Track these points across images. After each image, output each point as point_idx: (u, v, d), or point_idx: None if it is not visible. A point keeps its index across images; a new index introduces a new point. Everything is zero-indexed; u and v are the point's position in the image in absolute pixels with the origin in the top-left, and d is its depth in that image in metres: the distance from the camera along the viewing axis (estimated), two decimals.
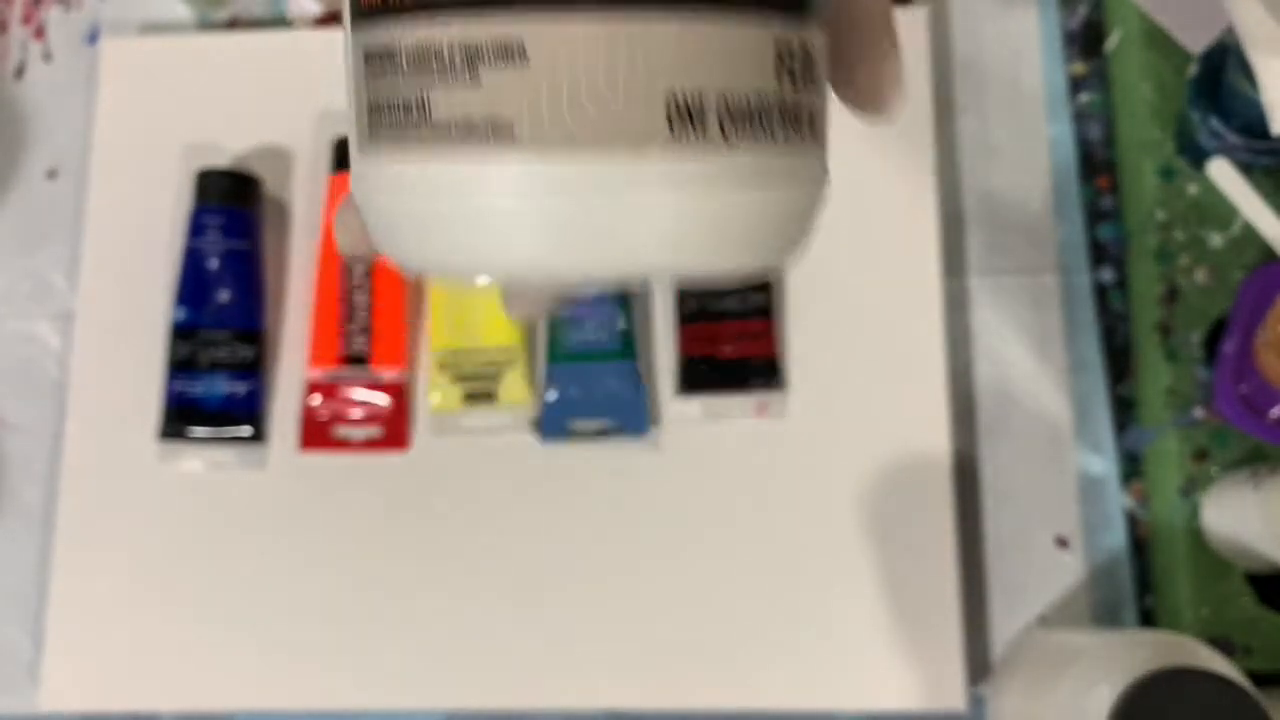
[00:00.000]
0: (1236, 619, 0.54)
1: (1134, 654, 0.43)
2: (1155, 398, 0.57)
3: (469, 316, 0.59)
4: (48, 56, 0.67)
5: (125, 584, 0.58)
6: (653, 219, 0.21)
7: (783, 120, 0.22)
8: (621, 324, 0.57)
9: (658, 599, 0.57)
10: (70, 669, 0.57)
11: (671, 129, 0.21)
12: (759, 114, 0.21)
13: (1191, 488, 0.55)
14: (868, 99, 0.25)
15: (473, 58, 0.21)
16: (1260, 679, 0.52)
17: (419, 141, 0.22)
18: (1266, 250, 0.56)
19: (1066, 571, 0.58)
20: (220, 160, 0.63)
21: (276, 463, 0.59)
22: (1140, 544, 0.59)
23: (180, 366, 0.58)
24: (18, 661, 0.60)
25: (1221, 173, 0.53)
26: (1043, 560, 0.58)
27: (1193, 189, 0.57)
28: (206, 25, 0.67)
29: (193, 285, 0.59)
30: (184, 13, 0.68)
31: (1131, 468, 0.60)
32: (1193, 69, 0.56)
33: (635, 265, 0.21)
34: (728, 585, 0.57)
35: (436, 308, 0.59)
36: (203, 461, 0.59)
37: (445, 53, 0.21)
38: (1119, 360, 0.61)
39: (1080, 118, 0.64)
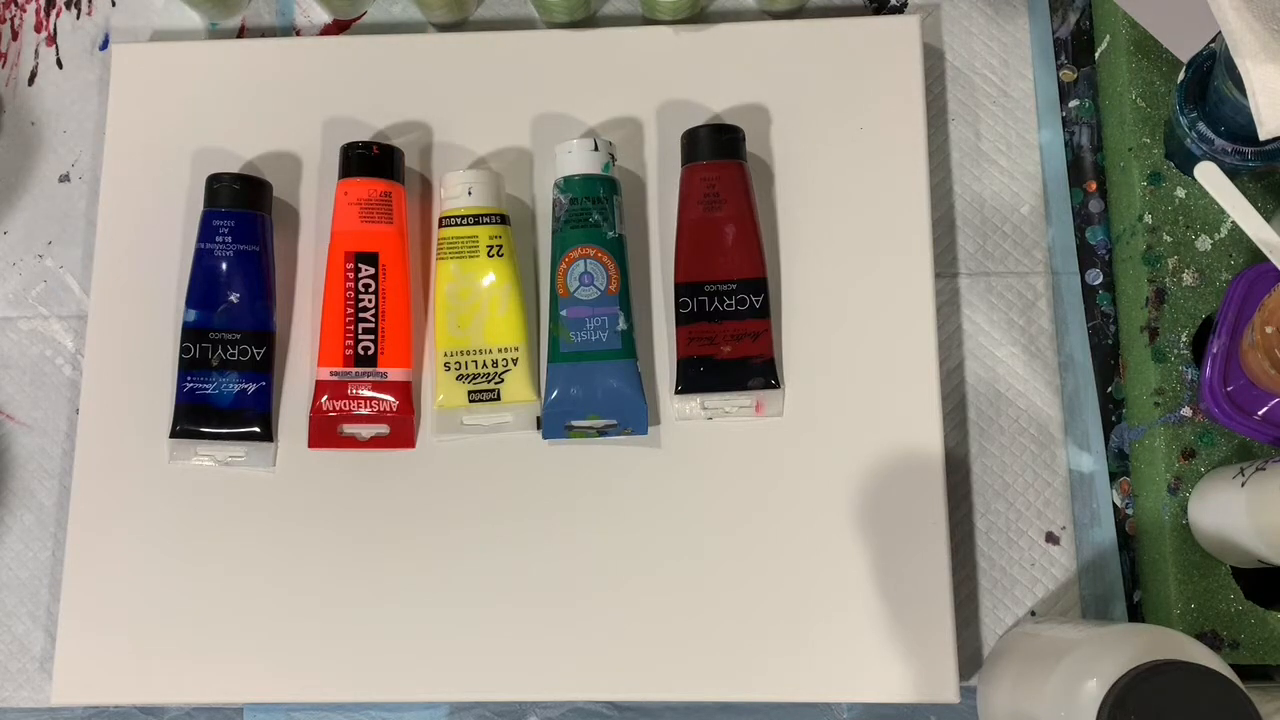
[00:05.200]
0: (1223, 613, 0.54)
1: (1123, 648, 0.44)
2: (1143, 397, 0.58)
3: (473, 317, 0.60)
4: (60, 63, 0.69)
5: (136, 579, 0.59)
6: None
7: None
8: (622, 324, 0.58)
9: (658, 593, 0.57)
10: (82, 662, 0.58)
11: None
12: None
13: (1179, 485, 0.56)
14: None
15: None
16: (1247, 672, 0.53)
17: None
18: (1253, 252, 0.57)
19: (1056, 567, 0.59)
20: (230, 165, 0.64)
21: (285, 460, 0.60)
22: (1129, 540, 0.60)
23: (191, 366, 0.59)
24: (30, 655, 0.61)
25: (1209, 177, 0.54)
26: (1033, 555, 0.59)
27: (1180, 193, 0.58)
28: (216, 33, 0.68)
29: (203, 287, 0.60)
30: (194, 20, 0.69)
31: (1120, 465, 0.61)
32: (1181, 75, 0.57)
33: None
34: (726, 580, 0.57)
35: (441, 309, 0.60)
36: (213, 459, 0.60)
37: None
38: (1108, 360, 0.62)
39: (1070, 123, 0.65)
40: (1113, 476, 0.60)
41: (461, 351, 0.59)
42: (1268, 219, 0.54)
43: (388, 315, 0.60)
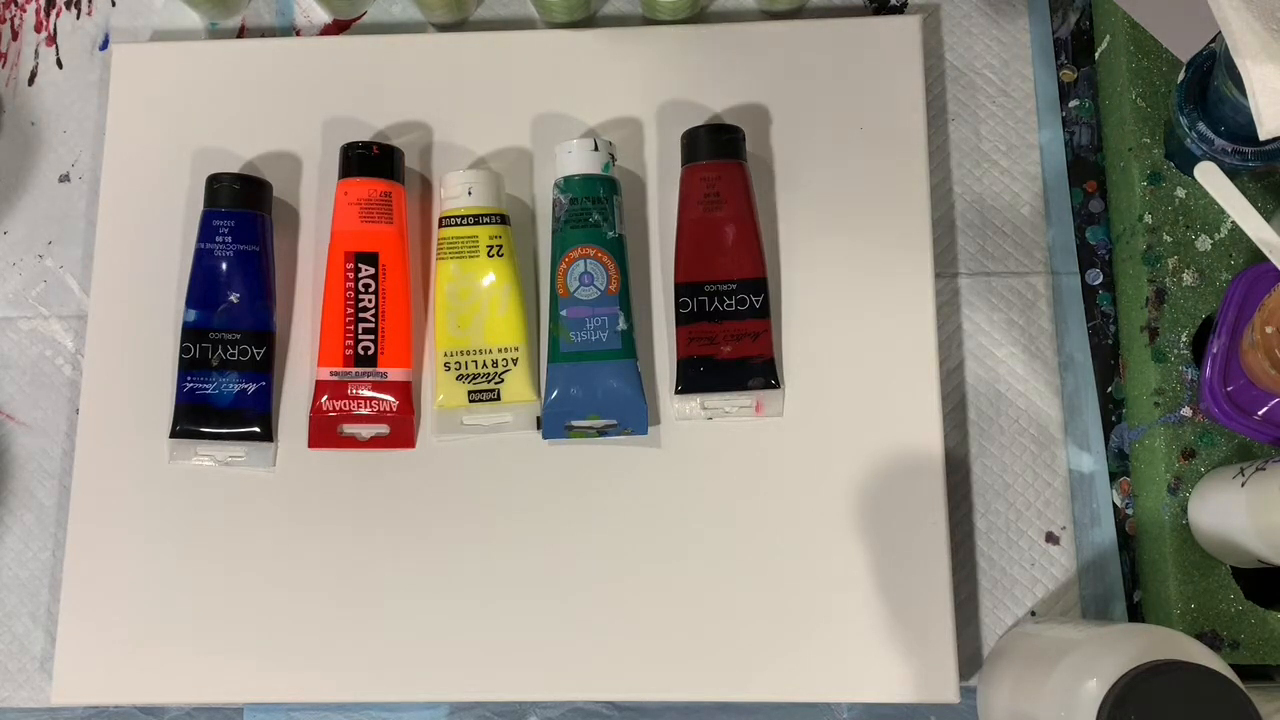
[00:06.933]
0: (1223, 613, 0.54)
1: (1123, 648, 0.44)
2: (1143, 397, 0.58)
3: (473, 317, 0.60)
4: (60, 63, 0.69)
5: (136, 579, 0.59)
6: None
7: None
8: (622, 324, 0.58)
9: (658, 593, 0.57)
10: (82, 662, 0.58)
11: None
12: None
13: (1179, 485, 0.56)
14: None
15: None
16: (1247, 672, 0.53)
17: None
18: (1253, 252, 0.57)
19: (1056, 567, 0.59)
20: (230, 165, 0.64)
21: (285, 460, 0.60)
22: (1129, 540, 0.60)
23: (191, 366, 0.59)
24: (30, 655, 0.61)
25: (1209, 177, 0.54)
26: (1033, 555, 0.59)
27: (1180, 193, 0.58)
28: (216, 33, 0.68)
29: (203, 287, 0.60)
30: (194, 20, 0.69)
31: (1120, 465, 0.61)
32: (1181, 75, 0.57)
33: None
34: (726, 580, 0.57)
35: (441, 309, 0.60)
36: (213, 459, 0.60)
37: None
38: (1108, 360, 0.62)
39: (1070, 123, 0.65)
40: (1113, 476, 0.60)
41: (461, 351, 0.59)
42: (1268, 219, 0.54)
43: (388, 315, 0.60)
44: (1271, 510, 0.49)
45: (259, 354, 0.60)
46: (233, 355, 0.59)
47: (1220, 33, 0.50)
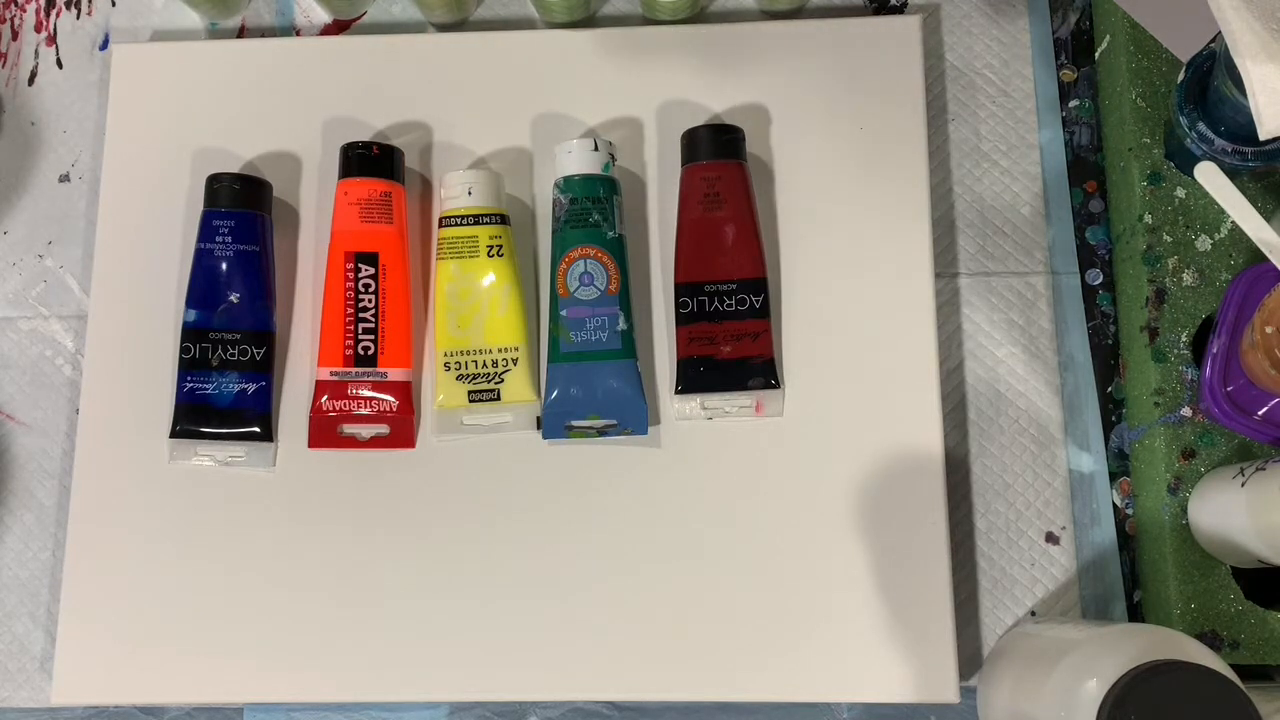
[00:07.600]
0: (1223, 613, 0.54)
1: (1123, 648, 0.44)
2: (1143, 397, 0.58)
3: (473, 317, 0.60)
4: (60, 63, 0.69)
5: (136, 579, 0.59)
6: None
7: None
8: (622, 324, 0.58)
9: (658, 593, 0.57)
10: (82, 662, 0.58)
11: None
12: None
13: (1179, 485, 0.56)
14: None
15: None
16: (1247, 672, 0.53)
17: None
18: (1253, 252, 0.57)
19: (1056, 567, 0.59)
20: (230, 165, 0.64)
21: (285, 461, 0.60)
22: (1129, 540, 0.60)
23: (191, 366, 0.59)
24: (30, 655, 0.61)
25: (1209, 177, 0.54)
26: (1033, 555, 0.59)
27: (1180, 193, 0.58)
28: (216, 33, 0.69)
29: (203, 287, 0.60)
30: (194, 20, 0.69)
31: (1120, 465, 0.61)
32: (1181, 75, 0.57)
33: None
34: (726, 580, 0.57)
35: (441, 309, 0.60)
36: (213, 459, 0.60)
37: None
38: (1108, 360, 0.62)
39: (1070, 123, 0.65)
40: (1113, 476, 0.60)
41: (461, 351, 0.59)
42: (1268, 219, 0.54)
43: (388, 315, 0.60)
44: (1271, 510, 0.49)
45: (259, 354, 0.60)
46: (233, 355, 0.59)
47: (1220, 33, 0.50)
